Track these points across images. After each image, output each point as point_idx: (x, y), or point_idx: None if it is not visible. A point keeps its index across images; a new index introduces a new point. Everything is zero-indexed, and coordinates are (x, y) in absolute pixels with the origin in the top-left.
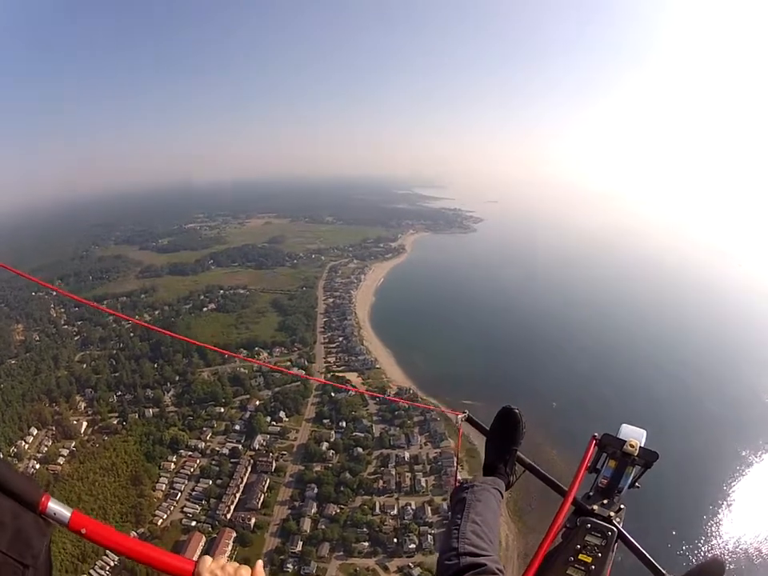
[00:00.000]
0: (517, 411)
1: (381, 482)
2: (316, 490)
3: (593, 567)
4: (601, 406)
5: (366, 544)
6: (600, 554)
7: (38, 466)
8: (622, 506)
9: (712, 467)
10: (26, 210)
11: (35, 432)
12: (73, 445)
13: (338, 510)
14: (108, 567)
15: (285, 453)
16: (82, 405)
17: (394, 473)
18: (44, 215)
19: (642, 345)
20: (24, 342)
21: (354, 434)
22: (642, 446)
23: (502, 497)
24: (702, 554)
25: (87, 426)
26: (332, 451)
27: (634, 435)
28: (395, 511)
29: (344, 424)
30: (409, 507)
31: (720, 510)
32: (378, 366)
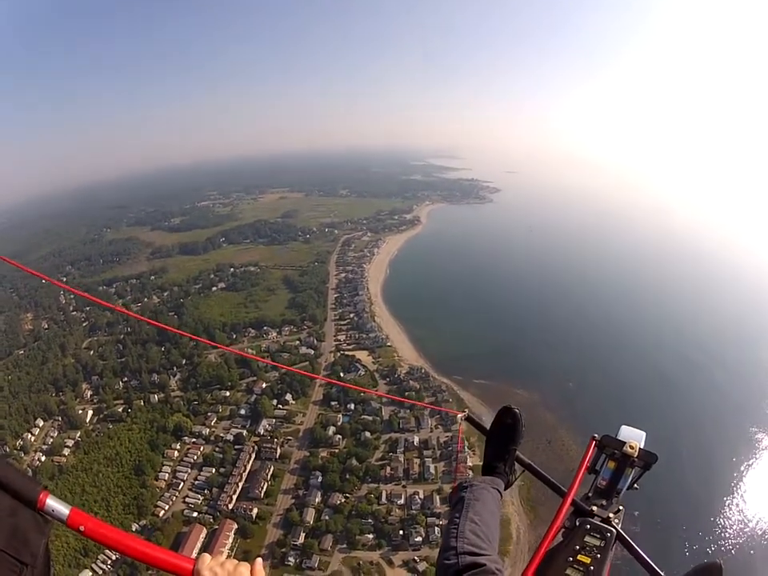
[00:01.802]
0: (516, 411)
1: (388, 468)
2: (321, 478)
3: (591, 568)
4: (612, 384)
5: (371, 536)
6: (599, 555)
7: (43, 458)
8: (620, 507)
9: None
10: (40, 198)
11: (41, 423)
12: (78, 435)
13: (343, 500)
14: (109, 561)
15: (290, 438)
16: (89, 393)
17: (402, 459)
18: (58, 201)
19: (656, 322)
20: (33, 331)
21: (363, 417)
22: (642, 447)
23: (501, 496)
24: (713, 549)
25: (93, 415)
26: (339, 436)
27: (634, 437)
28: (402, 500)
29: (352, 407)
30: (417, 496)
31: (734, 497)
32: (389, 343)
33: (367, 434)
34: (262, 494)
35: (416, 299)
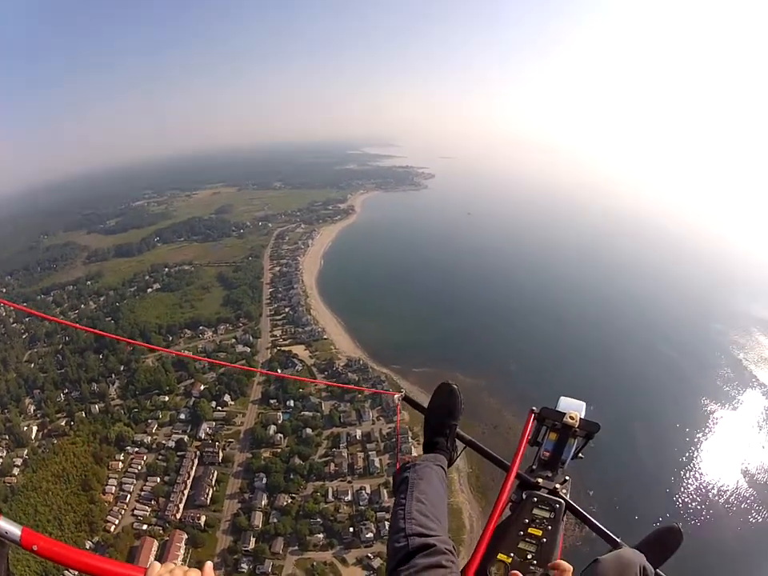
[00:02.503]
0: (454, 386)
1: (333, 465)
2: (265, 480)
3: (544, 540)
4: (557, 366)
5: (321, 536)
6: (550, 527)
7: None
8: (566, 478)
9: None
10: None
11: None
12: (25, 453)
13: (290, 501)
14: None
15: (231, 440)
16: (32, 408)
17: (345, 454)
18: None
19: (599, 303)
20: None
21: (303, 413)
22: (583, 417)
23: (446, 472)
24: (663, 517)
25: (38, 431)
26: (280, 435)
27: (573, 407)
28: (349, 497)
29: (292, 403)
30: (363, 491)
31: (685, 461)
32: (326, 336)
33: (308, 430)
34: (209, 501)
35: (352, 290)
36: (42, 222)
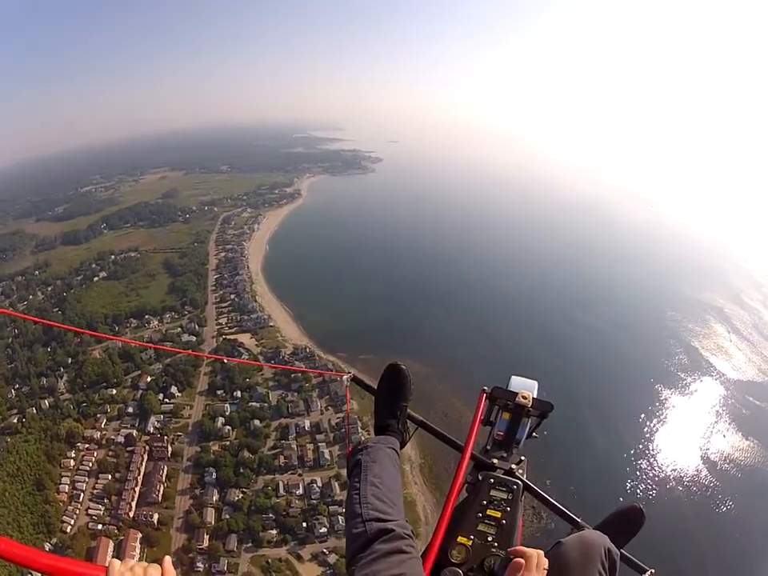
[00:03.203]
0: (404, 367)
1: (282, 457)
2: (215, 475)
3: (503, 522)
4: (504, 353)
5: (275, 532)
6: (508, 508)
7: None
8: (522, 458)
9: (630, 405)
10: None
11: None
12: None
13: (241, 496)
14: None
15: (180, 434)
16: None
17: (295, 446)
18: None
19: (549, 287)
20: None
21: (250, 404)
22: (535, 396)
23: (398, 455)
24: (620, 500)
25: None
26: (228, 427)
27: (526, 386)
28: (301, 490)
29: (239, 394)
30: (315, 485)
31: (642, 450)
32: (272, 324)
33: (257, 422)
34: (160, 498)
35: (298, 276)
36: None
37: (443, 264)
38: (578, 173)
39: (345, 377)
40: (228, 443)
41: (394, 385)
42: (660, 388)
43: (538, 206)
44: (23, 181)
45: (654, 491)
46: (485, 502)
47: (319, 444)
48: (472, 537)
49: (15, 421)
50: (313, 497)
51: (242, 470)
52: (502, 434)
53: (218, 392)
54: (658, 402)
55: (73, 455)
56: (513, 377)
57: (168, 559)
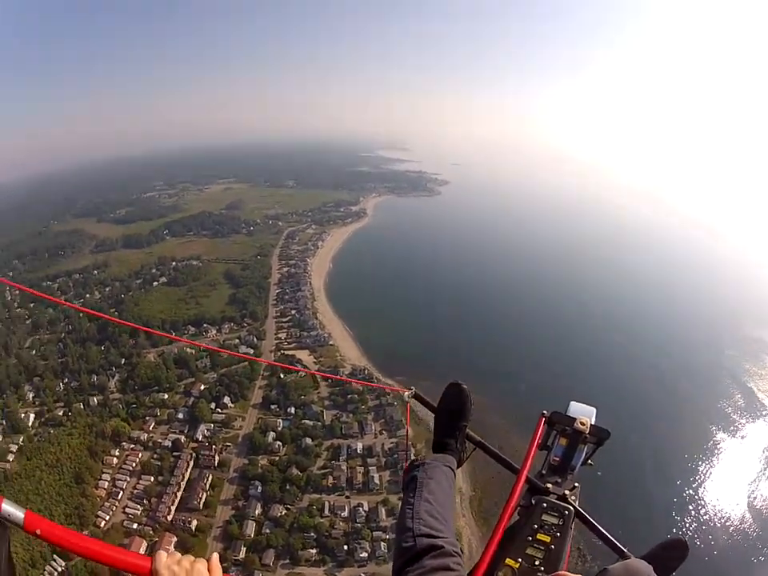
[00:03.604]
0: (465, 387)
1: (331, 478)
2: (260, 488)
3: (552, 547)
4: (563, 386)
5: (314, 551)
6: (559, 534)
7: None
8: (576, 484)
9: (683, 445)
10: None
11: None
12: (21, 439)
13: (284, 512)
14: (56, 573)
15: (229, 444)
16: (30, 395)
17: (345, 468)
18: (9, 194)
19: (612, 323)
20: None
21: (303, 421)
22: (593, 423)
23: (454, 474)
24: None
25: (35, 418)
26: (279, 442)
27: (584, 413)
28: (346, 513)
29: (293, 410)
30: (361, 508)
31: (690, 489)
32: (331, 342)
33: (308, 440)
34: (201, 505)
35: (360, 295)
36: (53, 208)
37: (508, 291)
38: (640, 196)
39: (407, 393)
40: (277, 458)
41: (455, 404)
42: (713, 429)
43: (599, 235)
44: (85, 182)
45: (697, 529)
46: (536, 526)
47: (370, 468)
48: (520, 560)
49: (60, 414)
50: (358, 520)
51: (288, 487)
52: (558, 459)
53: (272, 406)
54: (709, 443)
55: (117, 454)
56: (572, 402)
57: (216, 556)
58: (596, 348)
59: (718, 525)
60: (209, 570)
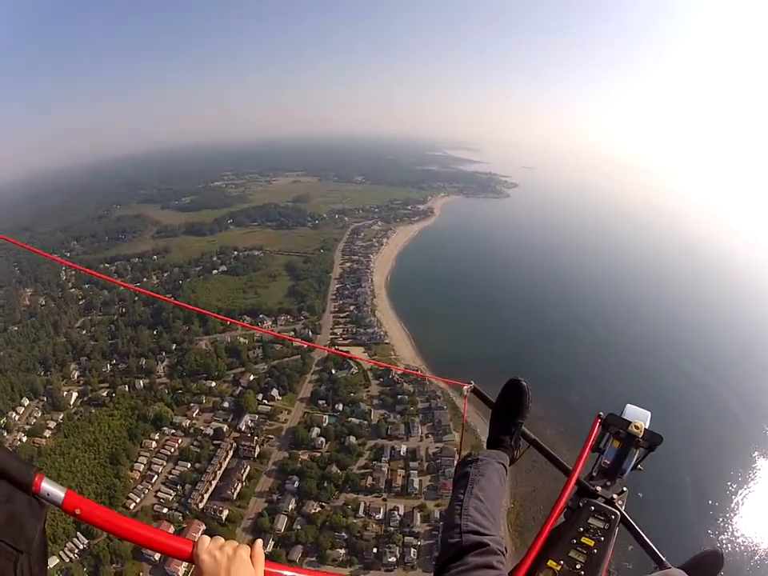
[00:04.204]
0: (524, 383)
1: (370, 478)
2: (297, 484)
3: (595, 551)
4: (625, 392)
5: (343, 551)
6: (602, 538)
7: (24, 439)
8: (624, 489)
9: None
10: (53, 171)
11: (27, 403)
12: (60, 417)
13: (318, 509)
14: (77, 550)
15: (272, 437)
16: (76, 374)
17: (385, 469)
18: (70, 176)
19: (669, 334)
20: (29, 307)
21: (350, 419)
22: (647, 427)
23: (506, 471)
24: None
25: (77, 397)
26: (322, 438)
27: (639, 416)
28: (381, 515)
29: (340, 407)
30: (396, 512)
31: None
32: (387, 341)
33: (352, 438)
34: (235, 495)
35: (421, 295)
36: (118, 191)
37: (571, 300)
38: (716, 217)
39: (466, 387)
40: (318, 455)
41: (513, 400)
42: (756, 455)
43: (666, 250)
44: (151, 168)
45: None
46: (581, 529)
47: (411, 471)
48: (561, 562)
49: (104, 394)
50: (391, 524)
51: (325, 484)
52: (608, 462)
53: (320, 402)
54: (750, 469)
55: (156, 438)
56: (628, 405)
57: (259, 542)
58: (650, 359)
59: (750, 551)
60: (251, 557)
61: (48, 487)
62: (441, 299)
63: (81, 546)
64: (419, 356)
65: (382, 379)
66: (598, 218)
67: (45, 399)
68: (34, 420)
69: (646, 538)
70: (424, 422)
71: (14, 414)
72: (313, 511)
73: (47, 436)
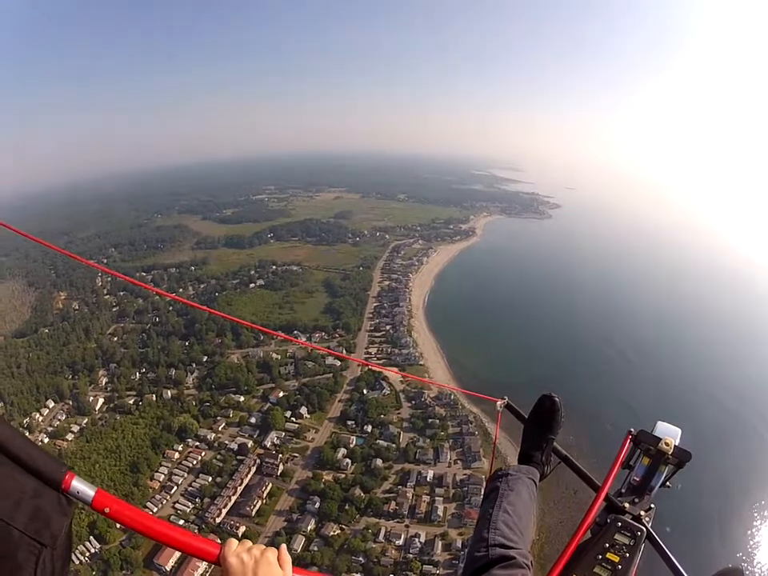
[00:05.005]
0: (557, 399)
1: (393, 503)
2: (318, 504)
3: (619, 567)
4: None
5: None
6: (628, 554)
7: (46, 440)
8: (652, 506)
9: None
10: (97, 178)
11: (51, 405)
12: (85, 422)
13: (338, 532)
14: (88, 553)
15: (297, 455)
16: (104, 380)
17: (410, 494)
18: (113, 184)
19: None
20: (62, 310)
21: (378, 441)
22: (677, 444)
23: (537, 486)
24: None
25: (103, 403)
26: (348, 460)
27: (670, 433)
28: (401, 541)
29: (369, 428)
30: (417, 539)
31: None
32: (422, 362)
33: (379, 461)
34: (254, 512)
35: (459, 316)
36: (160, 201)
37: (611, 325)
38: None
39: (499, 402)
40: (343, 476)
41: (545, 416)
42: None
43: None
44: (194, 179)
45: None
46: (607, 545)
47: (436, 498)
48: None
49: (131, 402)
50: (411, 551)
51: (347, 507)
52: (638, 479)
53: (349, 422)
54: None
55: (180, 449)
56: (659, 422)
57: (285, 546)
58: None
59: None
60: (279, 560)
61: (78, 485)
62: (478, 321)
63: (93, 550)
64: (453, 379)
65: (413, 402)
66: (634, 241)
67: (70, 403)
68: (58, 423)
69: (670, 555)
70: (454, 447)
71: (38, 415)
72: (332, 533)
73: (69, 439)
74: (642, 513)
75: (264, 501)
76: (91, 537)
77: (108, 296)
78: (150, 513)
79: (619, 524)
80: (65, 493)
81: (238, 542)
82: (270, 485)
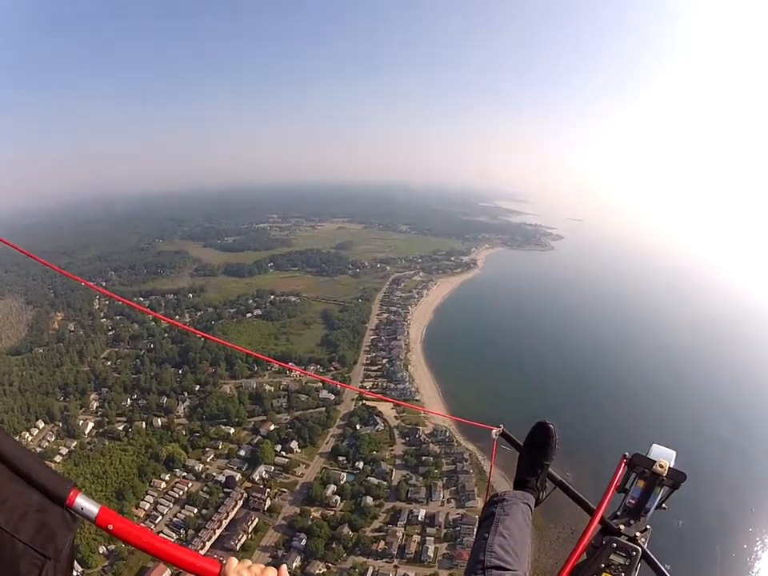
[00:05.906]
0: (551, 426)
1: (383, 542)
2: (304, 542)
3: None
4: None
5: None
6: (623, 574)
7: None
8: (647, 527)
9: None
10: (102, 199)
11: (42, 425)
12: (74, 445)
13: (324, 571)
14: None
15: (285, 490)
16: (95, 404)
17: (400, 534)
18: (119, 205)
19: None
20: (57, 331)
21: (369, 478)
22: (672, 466)
23: (532, 511)
24: None
25: (93, 428)
26: (337, 497)
27: (665, 455)
28: None
29: (361, 465)
30: None
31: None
32: (417, 398)
33: (369, 499)
34: (238, 547)
35: (457, 351)
36: (162, 226)
37: (613, 361)
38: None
39: (494, 430)
40: (331, 513)
41: (540, 443)
42: None
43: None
44: (198, 205)
45: None
46: (602, 565)
47: (427, 538)
48: None
49: (120, 428)
50: None
51: (334, 545)
52: (634, 501)
53: (340, 458)
54: None
55: (167, 479)
56: (654, 445)
57: (285, 567)
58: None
59: None
60: None
61: (82, 502)
62: (476, 356)
63: (75, 574)
64: (449, 414)
65: (408, 438)
66: (640, 274)
67: (60, 425)
68: (47, 444)
69: (667, 573)
70: (447, 485)
71: (28, 435)
72: (317, 571)
73: (57, 461)
74: (638, 534)
75: (249, 536)
76: (90, 554)
77: (104, 319)
78: (117, 548)
79: (614, 545)
80: (69, 509)
81: (238, 560)
82: (257, 519)
